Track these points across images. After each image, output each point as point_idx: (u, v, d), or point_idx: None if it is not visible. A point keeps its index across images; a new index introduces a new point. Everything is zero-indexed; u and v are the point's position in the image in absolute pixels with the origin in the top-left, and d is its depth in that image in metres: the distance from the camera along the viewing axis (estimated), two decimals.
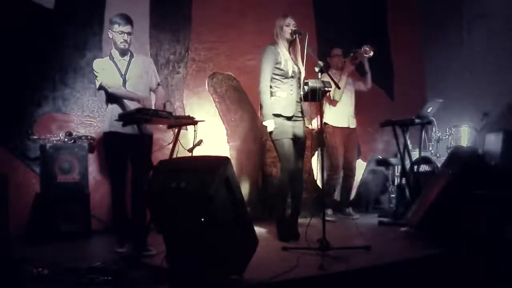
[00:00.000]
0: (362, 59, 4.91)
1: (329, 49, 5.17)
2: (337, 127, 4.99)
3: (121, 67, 3.53)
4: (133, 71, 3.56)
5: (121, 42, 3.49)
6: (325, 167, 3.47)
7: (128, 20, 3.50)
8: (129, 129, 3.41)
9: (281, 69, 3.84)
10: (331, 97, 4.88)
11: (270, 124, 3.79)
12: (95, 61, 3.60)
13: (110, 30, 3.52)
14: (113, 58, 3.55)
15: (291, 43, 3.94)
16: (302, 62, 3.85)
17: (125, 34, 3.48)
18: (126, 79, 3.52)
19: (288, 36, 3.88)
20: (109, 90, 3.47)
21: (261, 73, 3.85)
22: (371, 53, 4.83)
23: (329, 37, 5.54)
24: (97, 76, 3.50)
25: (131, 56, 3.60)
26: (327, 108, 4.98)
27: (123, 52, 3.55)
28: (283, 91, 3.86)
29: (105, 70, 3.48)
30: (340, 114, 4.99)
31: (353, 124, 5.11)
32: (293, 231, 3.84)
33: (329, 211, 4.91)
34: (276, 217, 3.97)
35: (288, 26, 3.86)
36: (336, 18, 5.77)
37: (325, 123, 4.94)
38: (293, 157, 3.86)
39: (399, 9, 6.49)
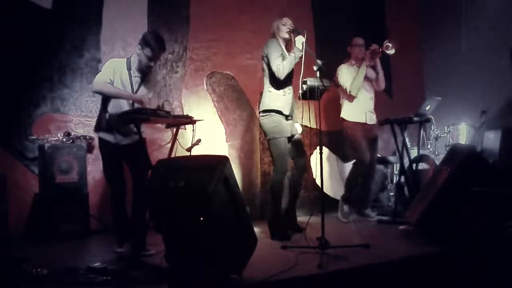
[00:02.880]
0: (378, 55, 4.71)
1: (351, 37, 4.93)
2: (356, 122, 4.75)
3: (134, 83, 3.45)
4: (143, 92, 3.49)
5: (146, 66, 3.42)
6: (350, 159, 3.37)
7: (163, 49, 3.46)
8: (120, 140, 3.43)
9: None
10: (348, 92, 4.71)
11: (299, 39, 3.70)
12: (111, 60, 3.52)
13: (140, 49, 3.39)
14: (131, 68, 3.45)
15: (288, 43, 3.93)
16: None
17: (153, 62, 3.42)
18: None
19: (285, 35, 3.86)
20: (104, 89, 3.34)
21: (271, 59, 3.76)
22: (393, 51, 4.62)
23: (327, 35, 5.53)
24: (101, 72, 3.44)
25: (146, 74, 3.52)
26: (345, 104, 4.81)
27: (142, 71, 3.48)
28: (281, 89, 3.86)
29: (118, 75, 3.40)
30: (357, 109, 4.76)
31: (371, 120, 4.82)
32: (292, 227, 3.90)
33: (345, 208, 4.68)
34: (268, 217, 4.02)
35: (285, 25, 3.86)
36: (334, 16, 5.76)
37: (343, 118, 4.80)
38: (289, 156, 3.88)
39: (397, 6, 6.48)
